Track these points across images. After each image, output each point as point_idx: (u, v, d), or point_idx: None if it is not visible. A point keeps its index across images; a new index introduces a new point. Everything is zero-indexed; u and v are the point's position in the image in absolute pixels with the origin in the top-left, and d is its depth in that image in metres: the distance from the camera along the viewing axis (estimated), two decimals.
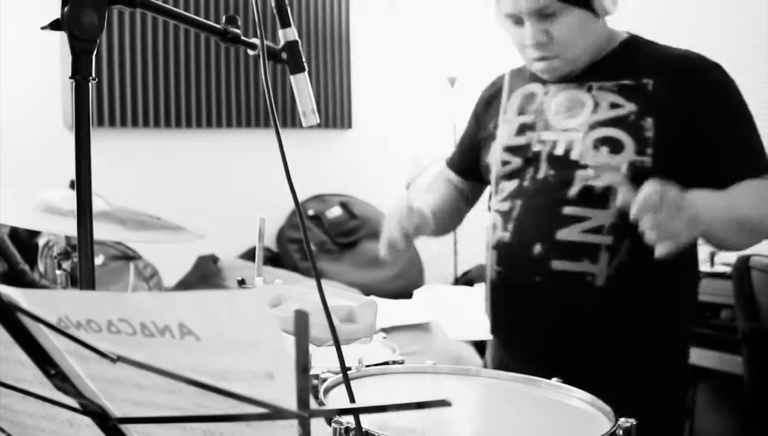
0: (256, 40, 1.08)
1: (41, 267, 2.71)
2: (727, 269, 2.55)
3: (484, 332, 1.67)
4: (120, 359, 0.56)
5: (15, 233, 2.73)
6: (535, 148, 1.58)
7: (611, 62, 1.57)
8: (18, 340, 0.59)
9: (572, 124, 1.55)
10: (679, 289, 1.58)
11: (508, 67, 1.79)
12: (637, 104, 1.50)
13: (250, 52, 1.11)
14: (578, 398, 1.18)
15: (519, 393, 1.23)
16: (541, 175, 1.56)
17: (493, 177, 1.66)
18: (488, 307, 1.66)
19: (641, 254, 1.37)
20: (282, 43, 1.11)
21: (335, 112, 4.20)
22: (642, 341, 1.53)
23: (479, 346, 3.11)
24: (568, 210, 1.50)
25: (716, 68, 1.54)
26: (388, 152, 4.31)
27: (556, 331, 1.53)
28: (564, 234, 1.50)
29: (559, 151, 1.54)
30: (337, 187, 4.19)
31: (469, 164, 1.82)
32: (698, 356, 2.63)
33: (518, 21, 1.53)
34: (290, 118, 3.95)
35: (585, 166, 1.50)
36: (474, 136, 1.80)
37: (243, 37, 1.09)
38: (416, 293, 3.72)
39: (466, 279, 4.25)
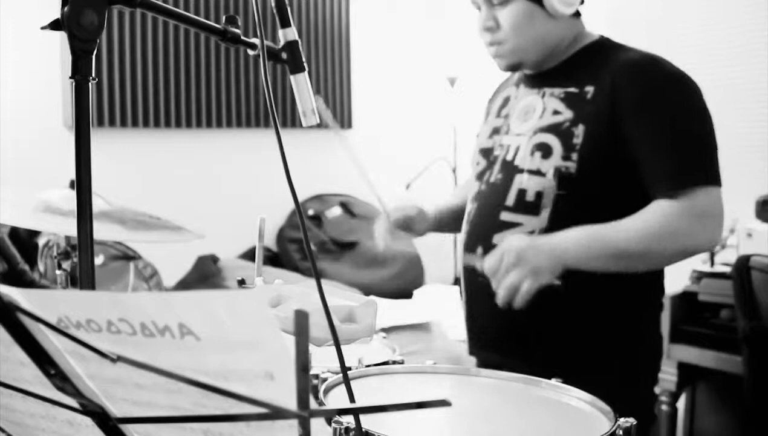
0: (256, 40, 1.08)
1: (41, 267, 2.71)
2: (727, 269, 2.55)
3: None
4: (120, 359, 0.56)
5: (15, 233, 2.73)
6: (496, 152, 1.67)
7: (566, 69, 1.62)
8: (18, 340, 0.59)
9: (523, 129, 1.62)
10: (618, 288, 1.58)
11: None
12: (574, 112, 1.55)
13: (250, 52, 1.11)
14: (578, 398, 1.18)
15: (519, 393, 1.23)
16: (492, 178, 1.65)
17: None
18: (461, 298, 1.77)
19: None
20: (282, 43, 1.11)
21: (335, 112, 4.20)
22: (580, 336, 1.58)
23: None
24: (504, 216, 1.59)
25: (664, 75, 1.53)
26: (388, 152, 4.31)
27: (499, 322, 1.61)
28: (498, 239, 1.58)
29: (509, 156, 1.62)
30: (337, 187, 4.19)
31: None
32: (698, 356, 2.63)
33: (478, 8, 1.64)
34: (290, 118, 3.95)
35: (522, 171, 1.58)
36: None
37: (243, 37, 1.09)
38: (416, 293, 3.72)
39: None
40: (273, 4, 1.10)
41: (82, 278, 0.91)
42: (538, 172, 1.55)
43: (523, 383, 1.26)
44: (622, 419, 1.04)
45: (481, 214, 1.65)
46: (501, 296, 1.44)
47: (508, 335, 1.62)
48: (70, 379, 0.60)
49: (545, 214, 1.55)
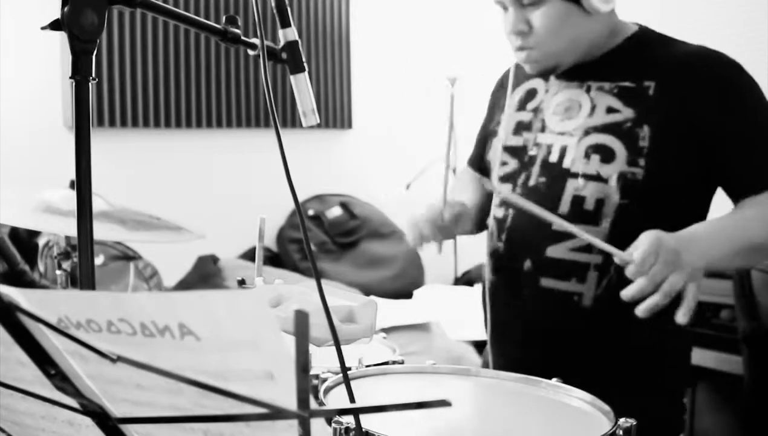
0: (256, 40, 1.08)
1: (41, 267, 2.71)
2: None
3: (484, 333, 1.69)
4: (120, 359, 0.56)
5: (15, 233, 2.73)
6: (531, 151, 1.52)
7: (613, 60, 1.48)
8: (18, 340, 0.59)
9: (568, 127, 1.47)
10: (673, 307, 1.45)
11: (509, 66, 1.76)
12: (635, 110, 1.42)
13: (250, 52, 1.11)
14: (578, 398, 1.18)
15: (519, 393, 1.23)
16: (532, 182, 1.49)
17: (493, 177, 1.59)
18: (484, 310, 1.62)
19: None
20: (282, 43, 1.12)
21: (335, 112, 4.20)
22: (633, 358, 1.47)
23: (479, 346, 3.11)
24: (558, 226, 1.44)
25: (730, 67, 1.44)
26: (388, 152, 4.31)
27: (544, 346, 1.49)
28: (553, 251, 1.44)
29: (553, 157, 1.48)
30: (337, 187, 4.18)
31: (484, 160, 1.71)
32: (698, 356, 2.63)
33: (504, 8, 1.48)
34: (290, 118, 3.95)
35: (576, 175, 1.44)
36: (484, 131, 1.74)
37: (243, 37, 1.09)
38: (416, 293, 3.72)
39: (466, 279, 4.25)
40: (273, 4, 1.10)
41: (82, 278, 0.91)
42: (597, 178, 1.41)
43: (523, 383, 1.26)
44: (622, 419, 1.04)
45: (525, 223, 1.48)
46: (658, 299, 1.24)
47: (534, 350, 1.50)
48: (70, 379, 0.60)
49: (606, 224, 1.41)
